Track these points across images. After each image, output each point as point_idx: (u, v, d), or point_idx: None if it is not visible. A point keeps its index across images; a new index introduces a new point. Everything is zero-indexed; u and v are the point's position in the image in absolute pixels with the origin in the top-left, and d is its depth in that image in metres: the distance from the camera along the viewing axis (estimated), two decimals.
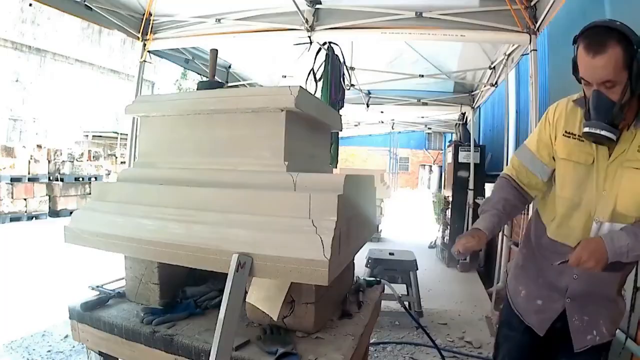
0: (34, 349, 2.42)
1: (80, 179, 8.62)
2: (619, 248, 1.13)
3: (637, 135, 1.17)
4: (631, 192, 1.18)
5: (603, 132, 1.14)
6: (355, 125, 9.14)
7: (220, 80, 1.60)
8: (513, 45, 3.22)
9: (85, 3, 2.86)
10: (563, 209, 1.30)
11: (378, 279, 1.78)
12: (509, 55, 3.55)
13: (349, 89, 3.67)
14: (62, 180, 8.24)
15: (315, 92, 2.89)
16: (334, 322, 1.35)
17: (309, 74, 2.91)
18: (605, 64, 1.09)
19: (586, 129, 1.17)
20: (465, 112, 6.18)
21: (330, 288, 1.24)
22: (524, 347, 1.42)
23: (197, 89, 1.58)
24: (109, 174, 9.81)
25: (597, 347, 1.30)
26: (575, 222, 1.27)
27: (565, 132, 1.28)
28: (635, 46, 1.08)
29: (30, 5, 16.01)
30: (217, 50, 1.64)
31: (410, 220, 9.69)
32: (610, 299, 1.31)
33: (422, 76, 4.52)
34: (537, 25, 2.58)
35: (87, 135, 19.30)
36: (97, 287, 1.54)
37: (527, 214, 2.67)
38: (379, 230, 6.34)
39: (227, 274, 1.05)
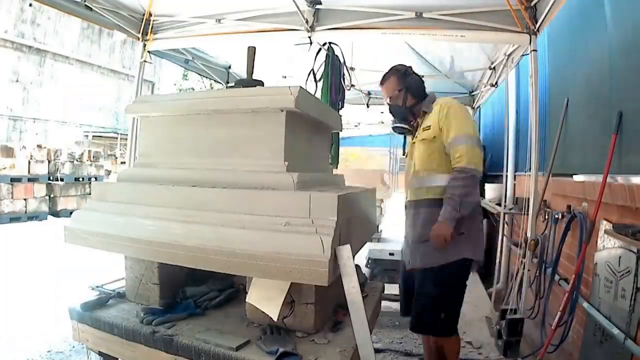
0: (34, 349, 2.42)
1: (80, 179, 8.61)
2: (449, 214, 1.66)
3: (422, 121, 1.88)
4: (419, 155, 1.85)
5: (398, 125, 1.97)
6: (355, 126, 9.14)
7: (258, 80, 1.59)
8: (513, 45, 3.22)
9: (86, 3, 2.86)
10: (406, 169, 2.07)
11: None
12: (509, 55, 3.55)
13: (349, 89, 3.67)
14: (62, 180, 8.23)
15: (315, 92, 2.89)
16: (334, 322, 1.35)
17: (309, 74, 2.91)
18: (386, 89, 1.96)
19: (392, 126, 2.01)
20: None
21: (330, 288, 1.24)
22: (407, 277, 1.92)
23: (235, 87, 1.59)
24: (109, 174, 9.81)
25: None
26: (408, 176, 1.98)
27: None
28: (402, 71, 1.94)
29: (30, 5, 16.02)
30: (255, 47, 1.63)
31: None
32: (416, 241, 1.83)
33: (422, 76, 4.51)
34: (537, 25, 2.58)
35: (87, 135, 19.30)
36: (97, 287, 1.54)
37: (527, 215, 2.67)
38: (379, 230, 6.34)
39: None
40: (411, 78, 1.92)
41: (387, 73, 1.97)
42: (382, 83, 1.97)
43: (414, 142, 1.91)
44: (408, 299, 1.86)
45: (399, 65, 1.99)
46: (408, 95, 1.90)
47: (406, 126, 1.93)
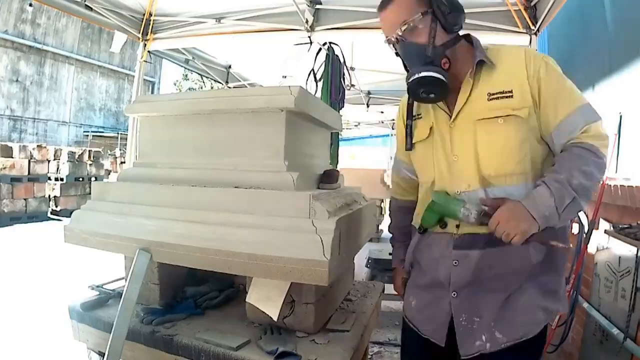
0: (34, 349, 2.42)
1: (80, 179, 8.61)
2: (546, 208, 0.88)
3: (479, 82, 1.00)
4: (490, 147, 0.98)
5: (424, 74, 0.96)
6: (355, 126, 9.14)
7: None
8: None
9: (86, 3, 2.87)
10: (421, 194, 1.17)
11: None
12: None
13: (349, 89, 3.67)
14: (62, 180, 8.23)
15: (316, 92, 2.89)
16: (334, 322, 1.35)
17: (309, 74, 2.91)
18: (394, 8, 1.00)
19: (408, 82, 1.00)
20: None
21: (330, 288, 1.24)
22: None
23: None
24: (109, 174, 9.80)
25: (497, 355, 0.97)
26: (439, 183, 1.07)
27: (410, 117, 1.14)
28: None
29: (31, 5, 16.01)
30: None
31: None
32: (507, 292, 0.99)
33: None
34: (537, 25, 2.58)
35: (87, 135, 19.30)
36: (97, 287, 1.54)
37: None
38: (379, 230, 6.34)
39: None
40: None
41: None
42: (384, 4, 1.02)
43: (453, 123, 1.03)
44: None
45: None
46: (437, 24, 0.98)
47: (440, 75, 0.96)
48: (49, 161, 8.12)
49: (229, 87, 4.75)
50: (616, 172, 2.51)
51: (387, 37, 1.05)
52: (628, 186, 1.80)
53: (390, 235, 1.43)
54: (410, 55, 1.03)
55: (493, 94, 0.98)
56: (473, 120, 1.00)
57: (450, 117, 1.04)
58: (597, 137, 0.92)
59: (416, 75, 0.98)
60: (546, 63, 0.97)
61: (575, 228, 2.20)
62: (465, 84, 1.01)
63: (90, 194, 1.51)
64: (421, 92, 1.00)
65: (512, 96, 0.96)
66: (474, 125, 1.00)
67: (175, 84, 21.07)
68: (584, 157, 0.90)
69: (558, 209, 0.88)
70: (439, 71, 0.97)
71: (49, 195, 8.06)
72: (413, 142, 1.14)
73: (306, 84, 2.84)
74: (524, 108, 0.95)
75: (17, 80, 16.66)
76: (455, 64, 1.01)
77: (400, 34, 1.00)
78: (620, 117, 1.91)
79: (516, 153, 0.96)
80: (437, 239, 1.07)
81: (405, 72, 1.07)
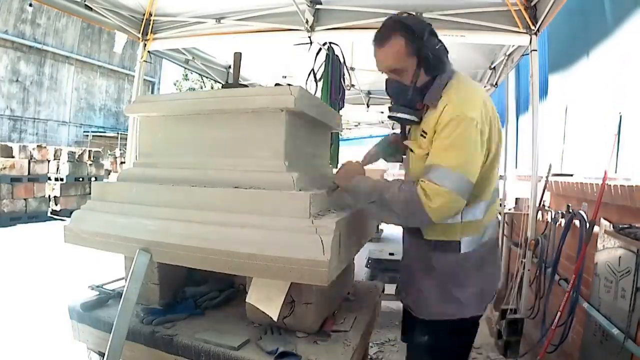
0: (34, 349, 2.42)
1: (80, 179, 8.62)
2: (360, 189, 1.25)
3: (425, 118, 1.25)
4: (414, 173, 1.26)
5: (399, 115, 1.26)
6: (355, 126, 9.13)
7: (245, 84, 1.58)
8: (513, 45, 3.22)
9: (86, 3, 2.86)
10: None
11: None
12: (509, 55, 3.55)
13: (349, 89, 3.67)
14: (62, 180, 8.24)
15: (316, 92, 2.89)
16: (334, 322, 1.35)
17: (309, 74, 2.91)
18: (386, 54, 1.22)
19: (389, 114, 1.30)
20: None
21: (330, 288, 1.24)
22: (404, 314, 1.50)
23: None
24: (109, 174, 9.81)
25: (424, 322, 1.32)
26: None
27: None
28: (418, 33, 1.18)
29: (31, 5, 16.02)
30: (241, 53, 1.60)
31: None
32: (417, 275, 1.35)
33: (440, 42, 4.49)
34: (538, 25, 2.58)
35: (87, 135, 19.31)
36: (97, 287, 1.54)
37: (528, 214, 2.67)
38: (379, 230, 6.33)
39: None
40: (431, 45, 1.20)
41: (389, 28, 1.21)
42: (380, 43, 1.22)
43: (410, 149, 1.31)
44: (406, 321, 1.49)
45: (409, 17, 1.23)
46: (421, 69, 1.20)
47: (411, 117, 1.25)
48: (49, 161, 8.12)
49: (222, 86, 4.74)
50: (615, 172, 2.51)
51: (377, 67, 1.28)
52: (628, 186, 1.80)
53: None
54: (394, 92, 1.27)
55: (423, 131, 1.23)
56: (411, 144, 1.31)
57: (408, 135, 1.39)
58: (424, 191, 1.11)
59: (396, 115, 1.28)
60: (448, 122, 1.14)
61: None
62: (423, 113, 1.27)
63: (90, 194, 1.51)
64: (398, 122, 1.33)
65: (425, 137, 1.22)
66: (413, 153, 1.30)
67: (175, 84, 21.07)
68: (403, 194, 1.15)
69: (359, 199, 1.27)
70: (413, 113, 1.25)
71: (49, 195, 8.06)
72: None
73: (306, 84, 2.84)
74: (427, 148, 1.20)
75: (17, 80, 16.66)
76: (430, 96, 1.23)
77: (386, 71, 1.26)
78: (620, 117, 1.91)
79: (420, 173, 1.18)
80: None
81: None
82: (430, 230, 1.27)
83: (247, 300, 1.29)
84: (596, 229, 1.97)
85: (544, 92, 3.81)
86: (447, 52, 1.25)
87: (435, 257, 1.28)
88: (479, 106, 1.16)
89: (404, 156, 1.53)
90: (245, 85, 1.57)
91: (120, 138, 17.87)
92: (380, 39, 1.22)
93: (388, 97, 1.32)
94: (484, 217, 1.26)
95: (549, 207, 2.71)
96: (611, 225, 1.82)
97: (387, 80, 1.29)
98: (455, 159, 1.12)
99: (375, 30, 1.24)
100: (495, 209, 1.33)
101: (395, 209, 1.16)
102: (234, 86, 1.56)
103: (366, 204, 1.23)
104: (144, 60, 3.39)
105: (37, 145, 8.11)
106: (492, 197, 1.28)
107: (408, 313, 1.42)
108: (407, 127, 1.40)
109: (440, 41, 1.24)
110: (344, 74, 3.10)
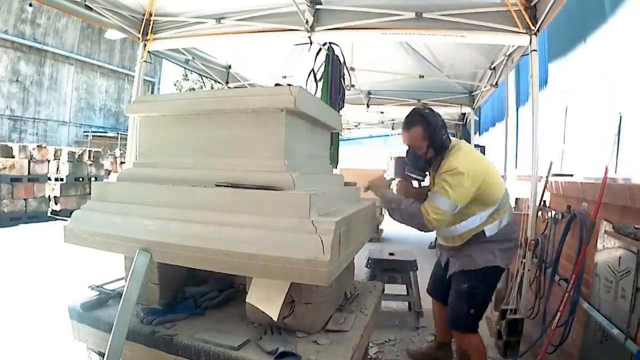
0: (34, 349, 2.42)
1: (80, 179, 8.61)
2: (389, 201, 1.92)
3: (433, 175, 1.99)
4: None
5: (413, 175, 2.01)
6: (355, 126, 9.14)
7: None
8: (513, 45, 3.22)
9: (86, 3, 2.86)
10: None
11: None
12: (509, 55, 3.55)
13: (349, 89, 3.67)
14: (62, 180, 8.23)
15: (315, 92, 2.89)
16: (334, 322, 1.35)
17: (309, 74, 2.91)
18: (410, 136, 1.90)
19: (406, 172, 2.02)
20: (465, 113, 6.18)
21: (330, 288, 1.24)
22: (441, 275, 2.16)
23: None
24: (109, 174, 9.80)
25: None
26: None
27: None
28: (432, 125, 1.84)
29: (31, 5, 16.02)
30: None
31: None
32: (464, 248, 1.99)
33: (422, 77, 4.52)
34: (538, 25, 2.58)
35: (87, 135, 19.31)
36: (97, 287, 1.54)
37: (528, 214, 2.67)
38: (379, 230, 6.34)
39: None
40: (439, 135, 1.85)
41: (414, 118, 1.89)
42: (407, 128, 1.90)
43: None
44: (435, 282, 2.25)
45: (429, 113, 1.90)
46: (431, 149, 1.88)
47: (419, 177, 2.00)
48: (49, 161, 8.11)
49: (229, 87, 4.75)
50: (615, 172, 2.51)
51: (402, 141, 1.98)
52: (628, 186, 1.80)
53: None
54: (411, 159, 1.97)
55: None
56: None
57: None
58: (427, 209, 1.78)
59: (411, 174, 2.02)
60: (445, 172, 1.79)
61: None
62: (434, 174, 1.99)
63: (90, 194, 1.51)
64: (413, 179, 2.04)
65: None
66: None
67: (175, 84, 21.07)
68: (415, 211, 1.81)
69: (388, 207, 1.93)
70: (421, 175, 2.01)
71: (49, 195, 8.06)
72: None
73: (306, 84, 2.84)
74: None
75: (17, 80, 16.66)
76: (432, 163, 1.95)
77: (408, 145, 1.95)
78: (620, 117, 1.91)
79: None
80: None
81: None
82: (460, 239, 1.96)
83: (247, 300, 1.29)
84: (596, 229, 1.97)
85: (543, 81, 3.81)
86: (449, 137, 1.91)
87: (471, 241, 1.94)
88: (467, 162, 1.80)
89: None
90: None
91: (120, 138, 17.87)
92: (408, 125, 1.90)
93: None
94: (496, 213, 1.91)
95: (549, 207, 2.71)
96: (611, 226, 1.82)
97: (407, 150, 1.97)
98: (447, 191, 1.76)
99: (405, 119, 1.93)
100: (504, 208, 1.94)
101: (406, 217, 1.84)
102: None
103: (388, 207, 1.91)
104: (144, 60, 3.39)
105: (37, 145, 8.10)
106: (501, 200, 1.90)
107: (440, 277, 2.13)
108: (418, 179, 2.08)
109: (446, 130, 1.90)
110: (344, 74, 3.10)
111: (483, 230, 1.90)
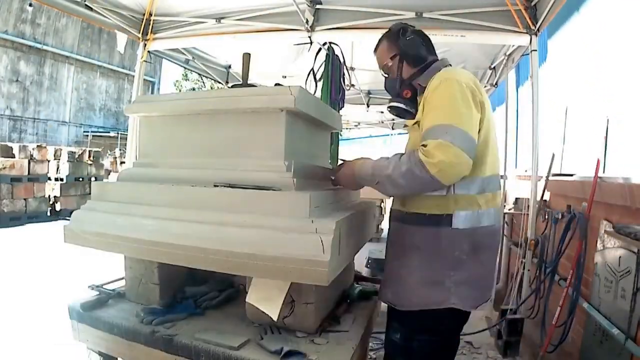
0: (34, 349, 2.42)
1: (80, 179, 8.61)
2: (364, 175, 1.28)
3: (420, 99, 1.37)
4: (410, 143, 1.36)
5: (392, 104, 1.44)
6: (355, 126, 9.12)
7: (254, 84, 1.58)
8: (513, 45, 3.22)
9: (86, 3, 2.86)
10: None
11: (375, 290, 1.62)
12: (509, 55, 3.55)
13: (349, 89, 3.66)
14: (62, 180, 8.23)
15: (315, 92, 2.89)
16: (334, 322, 1.35)
17: (309, 74, 2.91)
18: (377, 57, 1.49)
19: (388, 106, 1.48)
20: None
21: (330, 288, 1.24)
22: None
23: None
24: (109, 174, 9.80)
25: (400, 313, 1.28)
26: None
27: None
28: (400, 33, 1.41)
29: (31, 5, 16.02)
30: (249, 54, 1.61)
31: None
32: (399, 261, 1.30)
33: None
34: (538, 25, 2.58)
35: (87, 135, 19.30)
36: (97, 287, 1.54)
37: (528, 214, 2.67)
38: (379, 230, 6.33)
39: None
40: (407, 38, 1.39)
41: (380, 37, 1.49)
42: (375, 51, 1.50)
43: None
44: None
45: (395, 24, 1.47)
46: (403, 62, 1.40)
47: (400, 104, 1.40)
48: (49, 161, 8.11)
49: (230, 87, 4.75)
50: (603, 172, 2.51)
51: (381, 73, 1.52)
52: (628, 186, 1.80)
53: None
54: (387, 88, 1.49)
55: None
56: (408, 128, 1.41)
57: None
58: (427, 152, 1.09)
59: (392, 105, 1.45)
60: (437, 85, 1.21)
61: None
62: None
63: (90, 194, 1.51)
64: (394, 113, 1.48)
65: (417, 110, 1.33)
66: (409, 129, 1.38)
67: (175, 84, 21.08)
68: (404, 163, 1.15)
69: (371, 182, 1.26)
70: (401, 101, 1.42)
71: (49, 195, 8.06)
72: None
73: (306, 84, 2.84)
74: (418, 120, 1.26)
75: (17, 80, 16.66)
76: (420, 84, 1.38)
77: (382, 72, 1.50)
78: (607, 120, 1.92)
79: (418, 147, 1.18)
80: None
81: None
82: (416, 203, 1.25)
83: (247, 300, 1.29)
84: (596, 229, 1.97)
85: (543, 58, 3.82)
86: (433, 48, 1.45)
87: (422, 234, 1.23)
88: (466, 75, 1.24)
89: None
90: (255, 86, 1.57)
91: (120, 138, 17.86)
92: (375, 47, 1.50)
93: (388, 97, 1.45)
94: (479, 196, 1.22)
95: (548, 207, 2.71)
96: (611, 226, 1.82)
97: (385, 81, 1.49)
98: (449, 114, 1.13)
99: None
100: (496, 198, 1.28)
101: (401, 182, 1.15)
102: (244, 86, 1.56)
103: (375, 186, 1.25)
104: (144, 60, 3.39)
105: (37, 145, 8.09)
106: (489, 179, 1.24)
107: (388, 313, 1.37)
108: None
109: (420, 35, 1.43)
110: (344, 74, 3.10)
111: (451, 215, 1.19)
